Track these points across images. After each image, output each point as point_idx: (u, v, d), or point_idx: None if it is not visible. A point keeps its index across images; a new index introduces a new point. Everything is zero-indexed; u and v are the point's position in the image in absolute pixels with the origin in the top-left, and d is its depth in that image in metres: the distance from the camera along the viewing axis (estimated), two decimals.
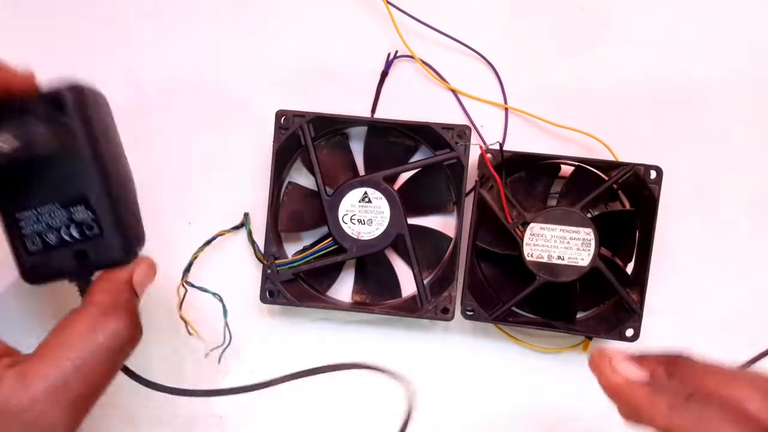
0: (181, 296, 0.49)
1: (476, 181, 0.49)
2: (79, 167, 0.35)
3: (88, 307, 0.36)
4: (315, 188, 0.50)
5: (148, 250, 0.41)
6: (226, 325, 0.50)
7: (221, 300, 0.49)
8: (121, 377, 0.38)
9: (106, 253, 0.36)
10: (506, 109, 0.52)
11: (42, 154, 0.34)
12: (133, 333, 0.37)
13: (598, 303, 0.51)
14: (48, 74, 0.53)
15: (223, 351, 0.50)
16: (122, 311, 0.36)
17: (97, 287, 0.37)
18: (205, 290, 0.49)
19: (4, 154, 0.33)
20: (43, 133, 0.34)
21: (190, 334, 0.49)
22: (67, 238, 0.36)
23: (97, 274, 0.38)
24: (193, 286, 0.49)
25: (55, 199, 0.35)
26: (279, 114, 0.49)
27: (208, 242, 0.51)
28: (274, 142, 0.49)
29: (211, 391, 0.46)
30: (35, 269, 0.36)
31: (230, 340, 0.50)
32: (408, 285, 0.51)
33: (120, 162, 0.38)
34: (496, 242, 0.50)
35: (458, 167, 0.49)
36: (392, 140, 0.51)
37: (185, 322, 0.49)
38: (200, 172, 0.52)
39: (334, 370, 0.40)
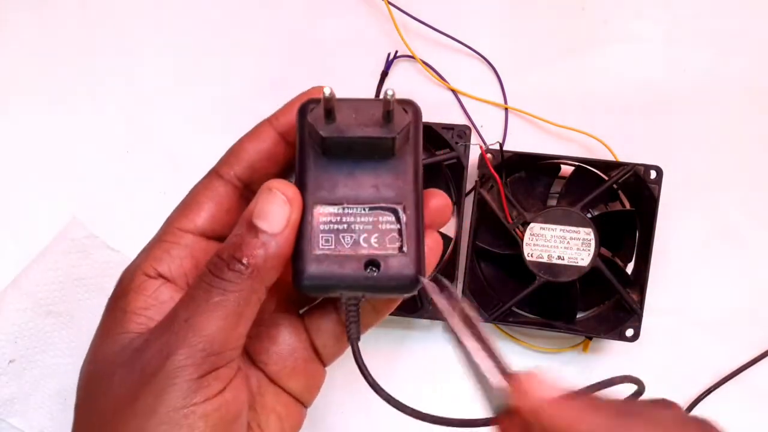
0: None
1: (476, 181, 0.49)
2: (402, 174, 0.31)
3: None
4: None
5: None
6: None
7: None
8: None
9: (398, 270, 0.31)
10: (506, 109, 0.52)
11: (384, 141, 0.30)
12: None
13: (598, 303, 0.51)
14: (48, 75, 0.53)
15: None
16: None
17: None
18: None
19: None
20: (399, 117, 0.31)
21: None
22: (364, 243, 0.31)
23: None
24: None
25: (366, 202, 0.31)
26: None
27: None
28: None
29: None
30: (318, 272, 0.30)
31: None
32: None
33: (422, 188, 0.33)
34: (496, 242, 0.50)
35: (458, 167, 0.49)
36: None
37: None
38: (200, 173, 0.52)
39: None
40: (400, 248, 0.31)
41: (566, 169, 0.51)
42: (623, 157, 0.50)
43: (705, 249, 0.52)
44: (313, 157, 0.31)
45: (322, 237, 0.30)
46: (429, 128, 0.49)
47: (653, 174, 0.48)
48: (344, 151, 0.30)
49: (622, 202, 0.51)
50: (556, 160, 0.50)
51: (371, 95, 0.52)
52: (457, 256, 0.49)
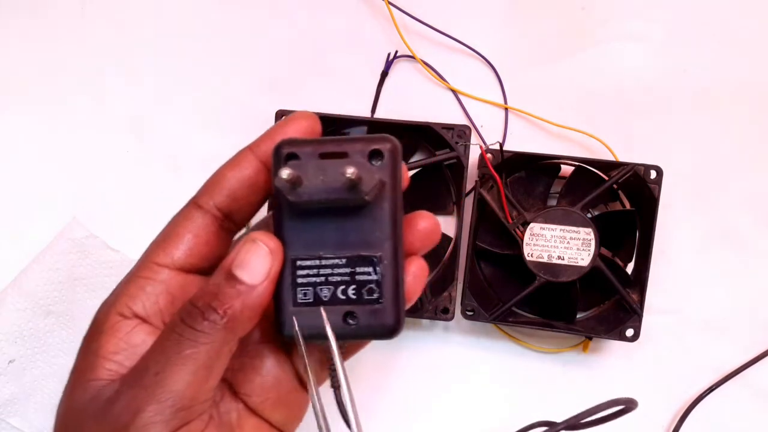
0: None
1: (476, 181, 0.49)
2: (378, 223, 0.31)
3: None
4: None
5: None
6: None
7: None
8: None
9: (377, 321, 0.31)
10: (506, 109, 0.52)
11: (354, 199, 0.30)
12: None
13: (598, 303, 0.51)
14: (48, 76, 0.53)
15: None
16: None
17: None
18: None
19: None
20: (367, 177, 0.30)
21: None
22: (341, 296, 0.31)
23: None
24: None
25: (344, 253, 0.31)
26: (279, 114, 0.49)
27: None
28: None
29: None
30: (298, 324, 0.31)
31: None
32: None
33: (402, 231, 0.33)
34: (496, 242, 0.50)
35: (458, 167, 0.49)
36: None
37: None
38: (200, 173, 0.52)
39: None
40: (378, 299, 0.31)
41: (566, 169, 0.51)
42: (623, 157, 0.50)
43: (705, 249, 0.52)
44: (288, 209, 0.30)
45: (300, 291, 0.31)
46: (429, 128, 0.49)
47: (653, 174, 0.48)
48: (316, 210, 0.30)
49: (622, 202, 0.51)
50: (556, 160, 0.50)
51: (371, 95, 0.52)
52: (457, 256, 0.49)
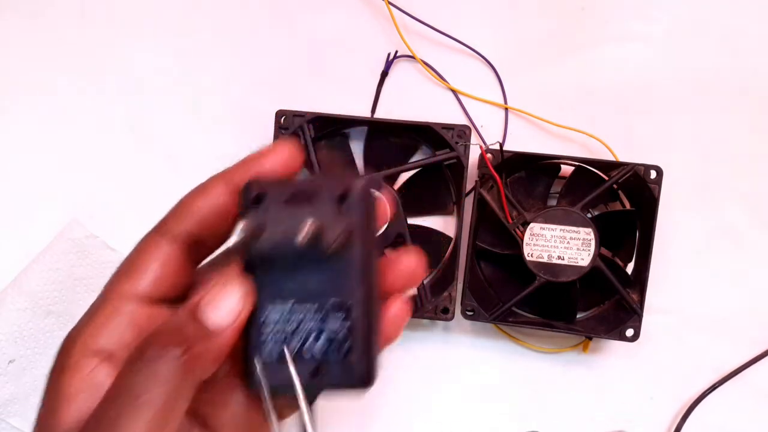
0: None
1: (476, 181, 0.49)
2: (348, 270, 0.29)
3: None
4: None
5: None
6: None
7: None
8: None
9: (347, 375, 0.29)
10: (506, 109, 0.52)
11: (315, 252, 0.29)
12: None
13: (598, 303, 0.51)
14: (48, 76, 0.53)
15: None
16: None
17: None
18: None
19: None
20: (330, 228, 0.29)
21: None
22: (311, 348, 0.30)
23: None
24: None
25: (314, 301, 0.30)
26: (279, 114, 0.49)
27: None
28: (274, 141, 0.49)
29: None
30: (266, 377, 0.29)
31: None
32: None
33: (376, 275, 0.31)
34: (496, 242, 0.50)
35: (458, 167, 0.49)
36: (392, 140, 0.51)
37: None
38: (200, 173, 0.52)
39: None
40: (348, 351, 0.29)
41: (566, 169, 0.51)
42: (623, 157, 0.50)
43: (705, 249, 0.52)
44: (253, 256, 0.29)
45: (270, 340, 0.29)
46: (429, 128, 0.49)
47: (653, 174, 0.48)
48: (282, 260, 0.29)
49: (622, 202, 0.51)
50: (556, 160, 0.50)
51: (371, 95, 0.52)
52: (457, 256, 0.49)
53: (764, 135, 0.52)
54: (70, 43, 0.54)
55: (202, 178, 0.39)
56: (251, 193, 0.29)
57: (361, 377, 0.29)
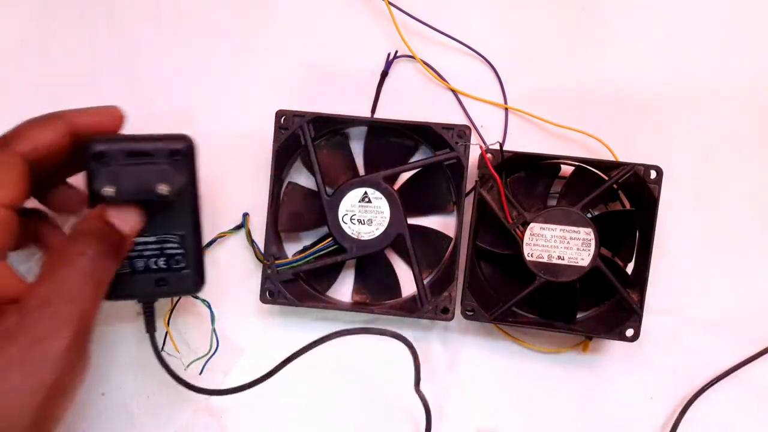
0: (173, 304, 0.48)
1: (476, 181, 0.49)
2: (181, 208, 0.41)
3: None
4: (315, 188, 0.50)
5: None
6: (214, 331, 0.49)
7: (209, 306, 0.48)
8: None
9: (183, 284, 0.42)
10: (506, 109, 0.52)
11: (168, 195, 0.39)
12: None
13: (598, 303, 0.51)
14: (48, 76, 0.53)
15: (207, 361, 0.49)
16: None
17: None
18: (195, 297, 0.46)
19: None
20: (174, 181, 0.39)
21: (163, 351, 0.45)
22: (153, 266, 0.41)
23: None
24: None
25: (156, 233, 0.41)
26: (279, 114, 0.49)
27: (209, 244, 0.51)
28: (274, 142, 0.49)
29: (211, 391, 0.46)
30: (116, 287, 0.39)
31: (217, 347, 0.49)
32: (408, 285, 0.51)
33: (199, 210, 0.43)
34: (496, 242, 0.50)
35: (458, 167, 0.49)
36: (392, 140, 0.51)
37: (169, 335, 0.48)
38: (200, 172, 0.52)
39: (325, 341, 0.45)
40: (183, 268, 0.42)
41: (566, 169, 0.51)
42: (623, 157, 0.50)
43: (705, 249, 0.52)
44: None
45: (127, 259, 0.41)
46: (429, 128, 0.49)
47: (653, 174, 0.48)
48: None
49: (622, 202, 0.51)
50: (556, 160, 0.50)
51: (371, 95, 0.52)
52: (457, 256, 0.49)
53: (764, 135, 0.52)
54: (69, 43, 0.53)
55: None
56: (94, 148, 0.39)
57: (196, 284, 0.43)
